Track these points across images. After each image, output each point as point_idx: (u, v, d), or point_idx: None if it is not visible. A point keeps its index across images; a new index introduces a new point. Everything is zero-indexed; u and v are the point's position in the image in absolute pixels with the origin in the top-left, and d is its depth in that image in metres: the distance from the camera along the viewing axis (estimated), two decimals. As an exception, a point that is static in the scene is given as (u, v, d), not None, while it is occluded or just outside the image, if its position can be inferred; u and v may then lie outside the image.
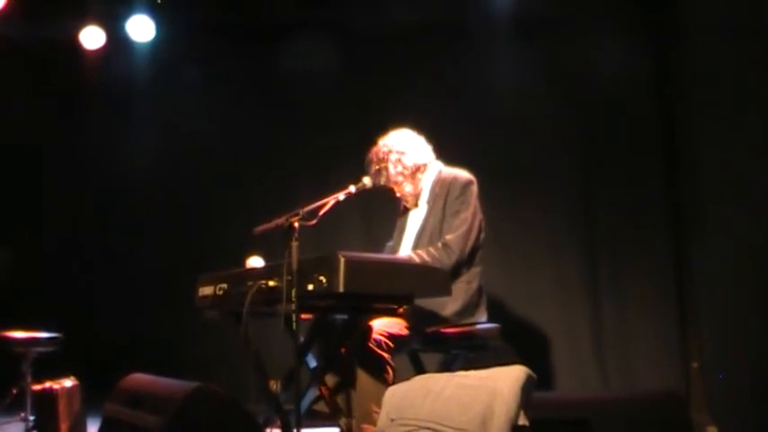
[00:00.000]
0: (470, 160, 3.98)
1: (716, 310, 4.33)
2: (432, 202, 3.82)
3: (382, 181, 3.86)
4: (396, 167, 3.83)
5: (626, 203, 5.35)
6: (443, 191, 3.77)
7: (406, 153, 3.85)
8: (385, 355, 3.35)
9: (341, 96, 5.91)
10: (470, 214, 3.70)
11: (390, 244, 4.10)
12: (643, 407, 2.72)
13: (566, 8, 5.49)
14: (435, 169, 3.90)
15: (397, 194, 3.96)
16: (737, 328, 3.81)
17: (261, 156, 6.07)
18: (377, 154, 3.88)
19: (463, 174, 3.82)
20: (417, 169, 3.86)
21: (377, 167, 3.85)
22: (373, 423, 3.06)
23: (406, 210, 4.01)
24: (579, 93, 5.51)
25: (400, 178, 3.85)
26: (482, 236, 3.78)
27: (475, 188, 3.77)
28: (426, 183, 3.87)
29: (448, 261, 3.58)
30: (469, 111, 5.50)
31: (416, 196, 3.90)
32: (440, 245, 3.63)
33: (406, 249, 3.84)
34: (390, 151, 3.85)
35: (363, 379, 3.32)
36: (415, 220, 3.91)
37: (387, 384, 3.21)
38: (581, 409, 2.73)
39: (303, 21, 6.00)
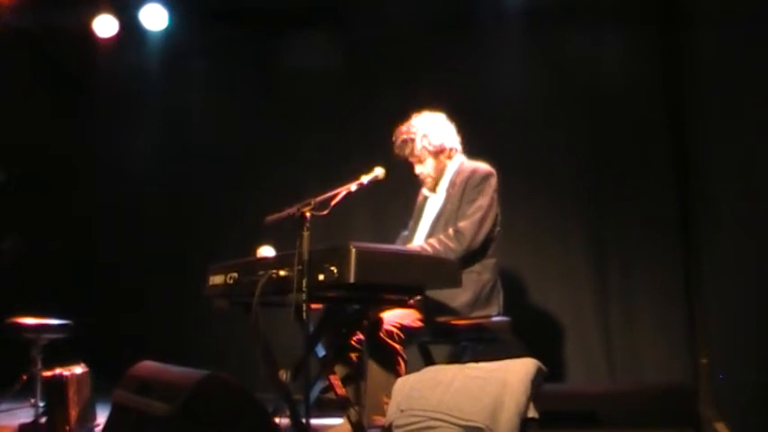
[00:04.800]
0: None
1: (725, 305, 4.31)
2: (450, 189, 3.85)
3: (407, 152, 3.91)
4: (422, 141, 3.88)
5: (635, 200, 5.30)
6: (463, 180, 3.81)
7: (435, 132, 3.90)
8: (397, 346, 3.36)
9: (348, 83, 5.92)
10: (486, 203, 3.72)
11: (405, 233, 4.11)
12: (652, 400, 2.72)
13: (572, 3, 5.47)
14: (458, 160, 3.94)
15: (416, 172, 3.98)
16: (746, 323, 3.79)
17: (273, 144, 6.06)
18: (407, 127, 3.94)
19: (484, 166, 3.86)
20: (442, 151, 3.91)
21: (404, 137, 3.91)
22: (384, 414, 3.06)
23: (425, 197, 4.04)
24: (587, 89, 5.45)
25: (425, 153, 3.90)
26: (497, 229, 3.80)
27: (494, 180, 3.80)
28: (449, 170, 3.91)
29: (459, 247, 3.60)
30: (473, 109, 5.43)
31: (435, 180, 3.94)
32: (451, 231, 3.66)
33: (421, 235, 3.87)
34: (420, 126, 3.91)
35: (374, 370, 3.33)
36: (432, 207, 3.94)
37: (398, 376, 3.21)
38: (590, 401, 2.73)
39: (310, 13, 6.01)
